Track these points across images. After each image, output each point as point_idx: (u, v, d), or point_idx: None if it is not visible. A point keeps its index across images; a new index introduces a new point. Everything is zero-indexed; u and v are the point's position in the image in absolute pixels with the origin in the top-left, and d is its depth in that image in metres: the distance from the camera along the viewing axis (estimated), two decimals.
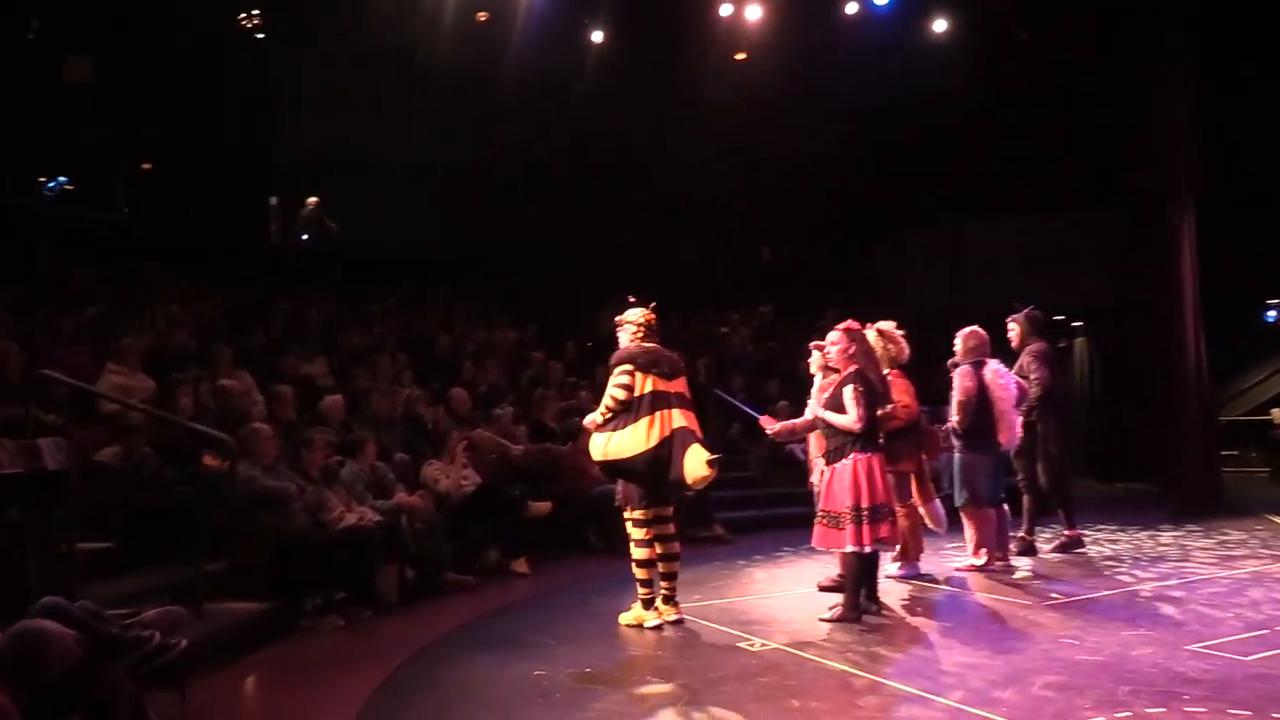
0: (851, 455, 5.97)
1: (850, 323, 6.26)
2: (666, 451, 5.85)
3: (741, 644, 5.64)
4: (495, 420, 9.92)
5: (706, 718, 4.41)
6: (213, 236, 13.16)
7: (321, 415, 8.49)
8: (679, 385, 6.08)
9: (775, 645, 5.59)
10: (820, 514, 6.14)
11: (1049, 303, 15.41)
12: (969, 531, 7.75)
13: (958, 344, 7.80)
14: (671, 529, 6.23)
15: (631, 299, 6.44)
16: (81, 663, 3.12)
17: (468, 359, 11.58)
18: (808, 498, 7.47)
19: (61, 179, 12.94)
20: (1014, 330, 8.53)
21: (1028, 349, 8.38)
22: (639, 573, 6.12)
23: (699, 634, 5.98)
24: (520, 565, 8.14)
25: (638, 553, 6.12)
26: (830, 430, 6.10)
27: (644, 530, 6.10)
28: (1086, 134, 14.51)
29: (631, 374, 5.96)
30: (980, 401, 7.54)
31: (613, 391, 5.96)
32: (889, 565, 7.55)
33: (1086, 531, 9.59)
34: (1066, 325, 16.25)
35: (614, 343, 6.48)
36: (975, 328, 7.79)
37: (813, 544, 6.23)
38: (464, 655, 5.58)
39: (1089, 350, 16.03)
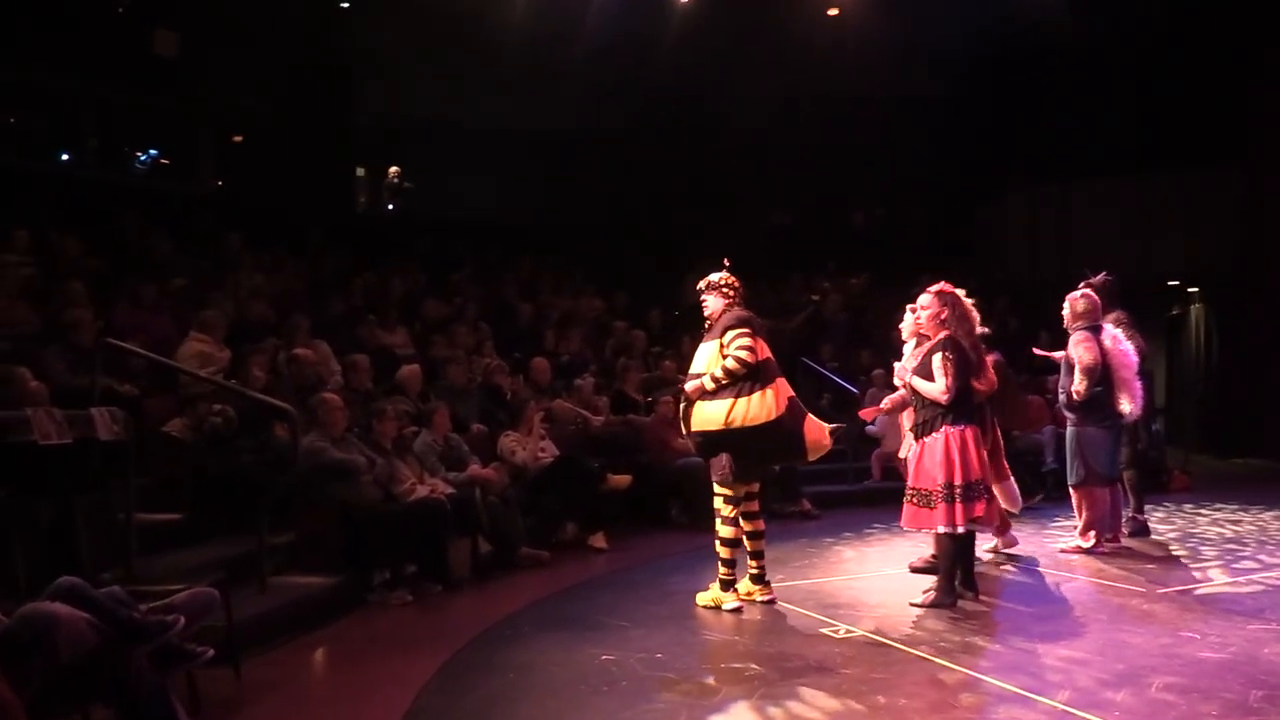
0: (943, 428, 5.52)
1: (943, 285, 5.76)
2: (787, 423, 5.51)
3: (825, 630, 5.26)
4: (576, 391, 9.67)
5: (783, 714, 4.02)
6: (298, 207, 13.13)
7: (399, 385, 8.33)
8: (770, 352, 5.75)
9: (861, 632, 5.18)
10: (910, 492, 5.69)
11: (1162, 268, 14.63)
12: (1080, 511, 7.16)
13: (1066, 309, 7.18)
14: (756, 506, 5.89)
15: (727, 261, 5.98)
16: (100, 648, 2.89)
17: (550, 328, 11.32)
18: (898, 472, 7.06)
19: (153, 151, 13.07)
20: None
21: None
22: (723, 552, 5.78)
23: (780, 618, 5.60)
24: (598, 540, 7.88)
25: (725, 530, 5.77)
26: (921, 402, 5.64)
27: (734, 507, 5.75)
28: (1204, 87, 13.46)
29: (752, 337, 5.57)
30: (1103, 370, 6.94)
31: (736, 354, 5.49)
32: (983, 546, 7.10)
33: (1205, 511, 8.93)
34: (1181, 291, 15.25)
35: (699, 310, 6.12)
36: (1087, 291, 7.18)
37: (901, 524, 5.78)
38: (531, 636, 5.32)
39: (1205, 318, 15.01)
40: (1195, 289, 15.12)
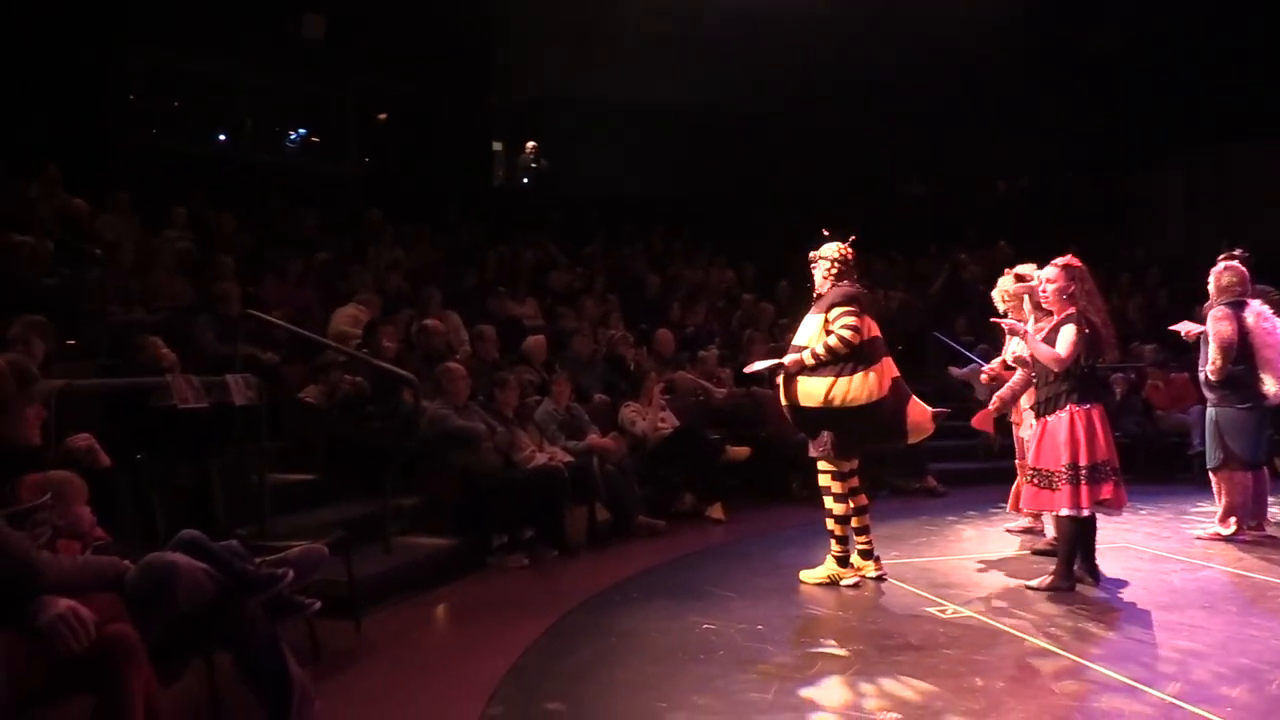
0: (1068, 407, 5.32)
1: (1070, 258, 5.52)
2: (891, 401, 5.44)
3: (932, 609, 5.17)
4: (700, 362, 9.73)
5: (875, 691, 4.00)
6: (437, 183, 13.54)
7: (524, 355, 8.56)
8: (878, 330, 5.65)
9: (969, 613, 5.07)
10: (1030, 472, 5.51)
11: None
12: (1220, 496, 6.81)
13: (1211, 283, 6.81)
14: (856, 481, 5.83)
15: (825, 232, 5.91)
16: (216, 596, 3.12)
17: (677, 300, 11.39)
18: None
19: (302, 131, 13.70)
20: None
21: (1261, 290, 7.12)
22: (836, 528, 5.75)
23: (888, 595, 5.54)
24: (715, 511, 7.94)
25: (836, 507, 5.73)
26: (1044, 379, 5.45)
27: (842, 483, 5.72)
28: None
29: (859, 315, 5.50)
30: (1241, 348, 6.57)
31: (840, 333, 5.42)
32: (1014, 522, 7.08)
33: None
34: None
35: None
36: (1232, 262, 6.77)
37: (1020, 506, 5.61)
38: (638, 603, 5.42)
39: None
40: None
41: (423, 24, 13.34)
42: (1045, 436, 5.42)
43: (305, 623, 4.31)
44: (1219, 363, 6.56)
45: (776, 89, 15.21)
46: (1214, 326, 6.63)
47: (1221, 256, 6.89)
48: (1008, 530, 7.15)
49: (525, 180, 15.50)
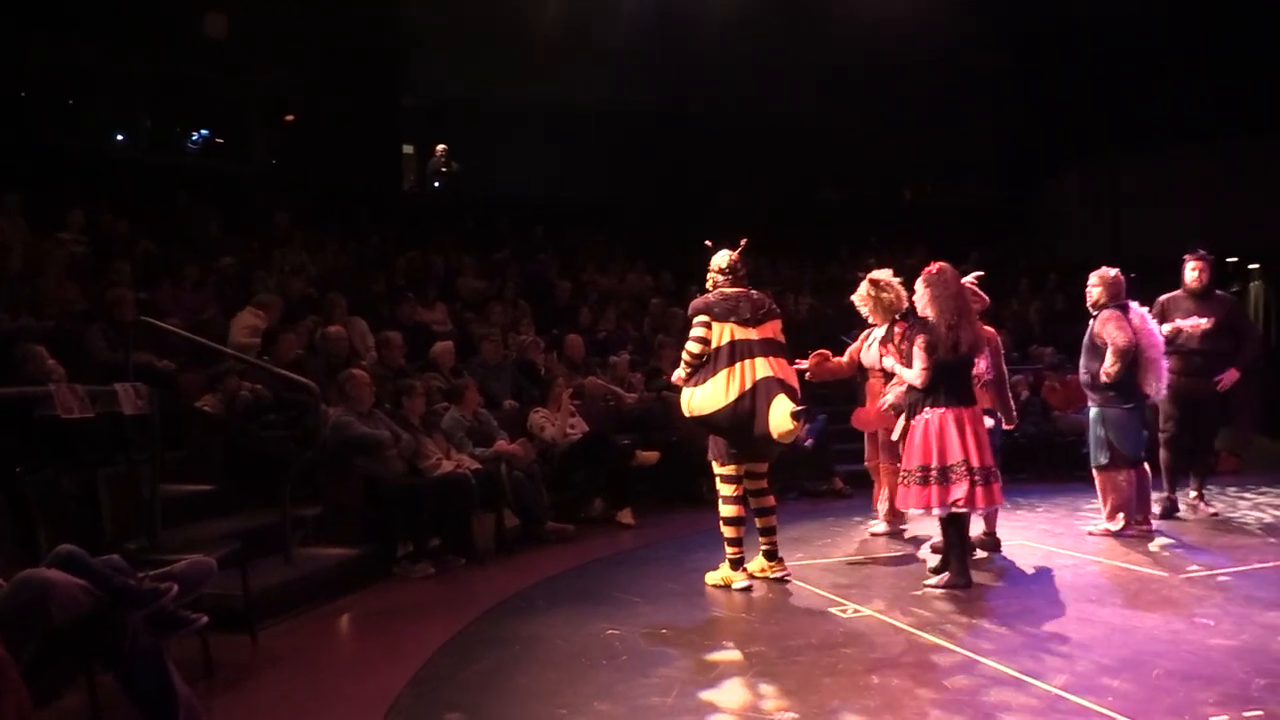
0: (924, 409, 5.57)
1: (930, 266, 5.70)
2: (748, 405, 5.48)
3: (833, 609, 5.26)
4: (611, 368, 9.76)
5: (774, 692, 4.05)
6: (346, 186, 13.35)
7: (432, 361, 8.48)
8: (768, 330, 5.71)
9: (869, 612, 5.18)
10: (902, 473, 5.70)
11: (1223, 242, 14.18)
12: (1105, 494, 7.06)
13: (1095, 289, 7.04)
14: (764, 484, 5.91)
15: (709, 243, 6.04)
16: (94, 613, 3.02)
17: (587, 306, 11.39)
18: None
19: (204, 132, 13.37)
20: (1195, 273, 7.56)
21: (1217, 295, 7.60)
22: (727, 531, 5.82)
23: (790, 596, 5.63)
24: (625, 516, 7.95)
25: (726, 510, 5.81)
26: (907, 386, 5.71)
27: (733, 486, 5.79)
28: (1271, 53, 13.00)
29: (707, 325, 5.64)
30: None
31: (688, 346, 5.69)
32: (874, 524, 7.34)
33: (1248, 495, 8.72)
34: (1240, 268, 14.80)
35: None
36: (1111, 269, 7.04)
37: (897, 504, 5.81)
38: (543, 609, 5.41)
39: (1265, 295, 14.56)
40: (1255, 265, 14.66)
41: (331, 23, 13.15)
42: (908, 439, 5.66)
43: (199, 638, 4.21)
44: (1116, 366, 6.76)
45: (693, 94, 15.35)
46: (1108, 330, 6.83)
47: (1188, 256, 7.33)
48: (872, 534, 7.29)
49: (435, 184, 15.36)
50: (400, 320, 9.36)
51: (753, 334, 5.63)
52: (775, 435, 5.41)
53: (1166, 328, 7.26)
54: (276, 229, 11.06)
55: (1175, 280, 7.78)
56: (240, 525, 5.89)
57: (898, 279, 6.45)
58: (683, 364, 5.71)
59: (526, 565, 6.57)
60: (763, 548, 5.93)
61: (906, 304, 6.26)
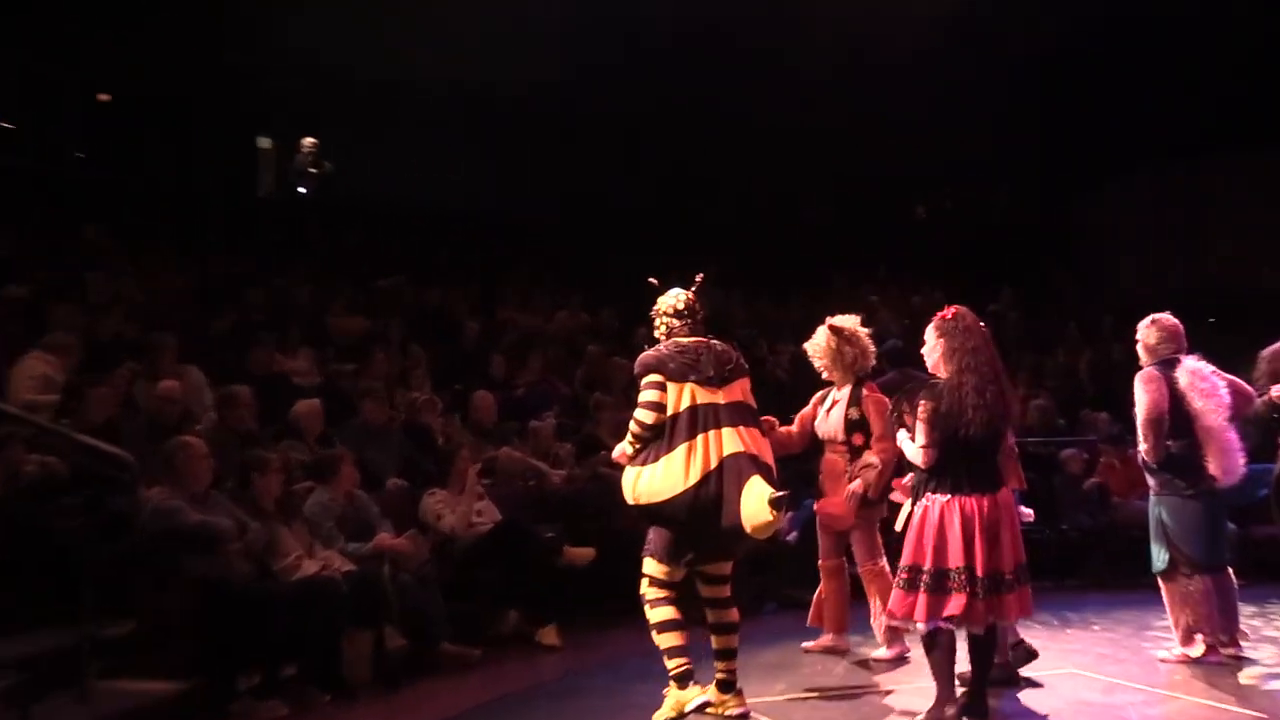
0: (925, 496, 5.67)
1: (946, 310, 5.80)
2: (713, 489, 5.51)
3: None
4: (532, 436, 9.73)
5: None
6: (183, 189, 13.27)
7: (292, 425, 8.46)
8: (735, 392, 5.78)
9: None
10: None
11: None
12: (1175, 609, 7.12)
13: (1140, 339, 7.17)
14: (726, 592, 5.94)
15: (653, 280, 6.14)
16: None
17: (502, 353, 11.38)
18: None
19: None
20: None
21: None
22: (664, 640, 5.78)
23: None
24: (548, 635, 7.93)
25: (656, 614, 5.79)
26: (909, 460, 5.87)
27: (662, 591, 5.80)
28: None
29: (661, 387, 5.68)
30: (1177, 419, 6.84)
31: (637, 415, 5.72)
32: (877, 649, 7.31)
33: None
34: None
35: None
36: (1163, 314, 7.14)
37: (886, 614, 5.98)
38: None
39: None
40: None
41: None
42: (907, 529, 5.75)
43: None
44: (1149, 441, 6.87)
45: (640, 79, 15.46)
46: (1139, 393, 6.94)
47: None
48: (874, 660, 7.29)
49: (301, 189, 15.28)
50: (251, 370, 9.33)
51: (718, 397, 5.68)
52: (749, 529, 5.41)
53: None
54: (85, 245, 10.88)
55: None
56: (20, 649, 5.66)
57: (867, 330, 6.90)
58: (630, 437, 5.73)
59: (416, 702, 6.57)
60: (718, 676, 5.91)
61: (873, 362, 6.63)
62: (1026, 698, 6.31)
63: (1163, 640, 7.57)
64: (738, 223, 15.89)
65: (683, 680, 5.74)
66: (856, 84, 15.69)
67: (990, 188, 17.43)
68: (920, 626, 5.56)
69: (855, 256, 16.04)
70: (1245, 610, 8.48)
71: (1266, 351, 7.13)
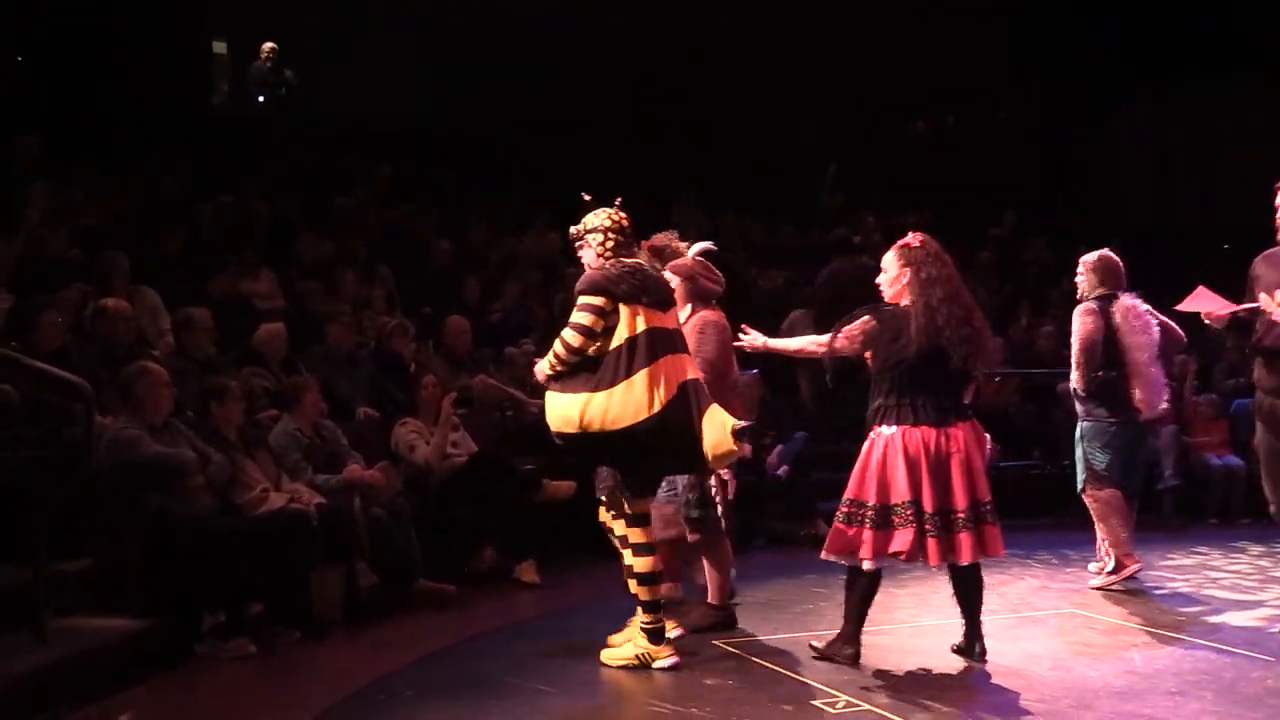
0: (874, 427, 5.74)
1: (910, 237, 5.87)
2: (678, 416, 5.57)
3: (818, 701, 5.34)
4: (508, 363, 9.75)
5: None
6: (130, 100, 13.10)
7: (254, 351, 8.47)
8: (673, 319, 5.88)
9: (868, 707, 5.25)
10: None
11: None
12: (1099, 527, 7.67)
13: (1080, 277, 7.75)
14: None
15: (587, 196, 6.11)
16: None
17: (476, 276, 11.37)
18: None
19: None
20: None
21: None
22: (644, 591, 5.86)
23: (757, 682, 5.68)
24: (527, 571, 8.03)
25: (640, 562, 5.87)
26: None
27: (643, 531, 5.87)
28: None
29: (600, 311, 5.63)
30: (1109, 351, 7.42)
31: (566, 336, 5.65)
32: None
33: None
34: None
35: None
36: (1104, 250, 7.72)
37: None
38: (412, 704, 5.44)
39: None
40: None
41: None
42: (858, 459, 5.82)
43: None
44: (1079, 370, 7.50)
45: None
46: (1075, 325, 7.55)
47: None
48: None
49: (260, 99, 15.14)
50: (210, 293, 9.33)
51: (668, 321, 5.76)
52: (711, 457, 5.56)
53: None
54: (22, 159, 10.76)
55: None
56: None
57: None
58: (553, 357, 5.68)
59: (388, 641, 6.61)
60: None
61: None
62: (1026, 639, 6.42)
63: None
64: (724, 142, 15.78)
65: (654, 637, 5.84)
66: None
67: (994, 107, 17.38)
68: (867, 564, 5.67)
69: (847, 178, 16.01)
70: (1254, 550, 8.79)
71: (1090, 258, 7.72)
